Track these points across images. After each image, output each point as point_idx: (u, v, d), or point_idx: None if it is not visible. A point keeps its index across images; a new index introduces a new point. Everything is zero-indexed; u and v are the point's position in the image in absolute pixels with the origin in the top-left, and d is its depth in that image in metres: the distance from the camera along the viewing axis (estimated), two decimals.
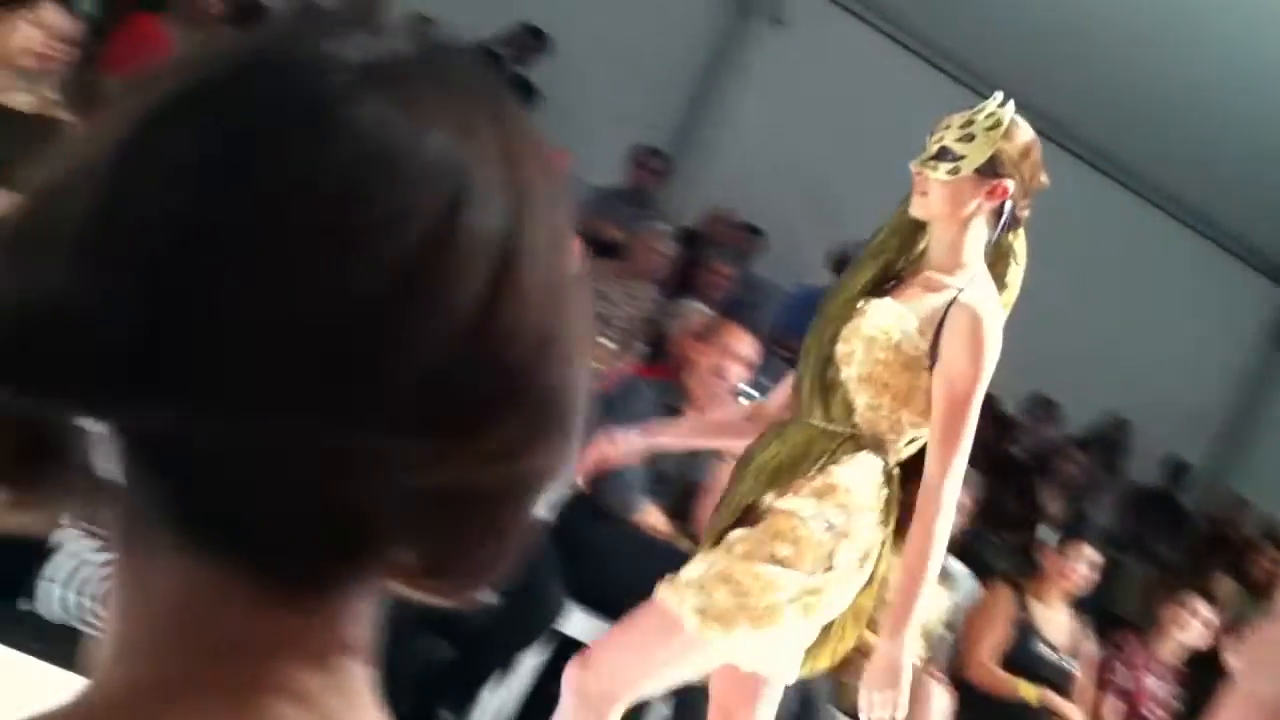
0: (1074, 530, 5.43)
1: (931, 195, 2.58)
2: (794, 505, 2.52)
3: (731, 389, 4.10)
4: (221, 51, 0.55)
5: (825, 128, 7.20)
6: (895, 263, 2.68)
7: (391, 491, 0.51)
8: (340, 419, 0.49)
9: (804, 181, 7.05)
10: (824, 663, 2.66)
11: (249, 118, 0.51)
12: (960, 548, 5.03)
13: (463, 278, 0.51)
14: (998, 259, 2.68)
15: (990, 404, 6.89)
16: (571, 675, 2.59)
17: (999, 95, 2.63)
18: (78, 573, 3.17)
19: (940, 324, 2.52)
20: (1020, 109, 2.60)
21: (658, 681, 2.64)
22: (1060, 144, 7.31)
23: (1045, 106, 7.33)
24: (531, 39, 6.71)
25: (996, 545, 5.67)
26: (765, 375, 4.19)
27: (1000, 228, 2.61)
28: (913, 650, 2.55)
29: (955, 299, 2.52)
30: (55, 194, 0.51)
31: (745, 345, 4.18)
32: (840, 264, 6.62)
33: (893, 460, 2.58)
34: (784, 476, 2.56)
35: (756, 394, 3.90)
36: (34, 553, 3.32)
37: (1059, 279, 7.38)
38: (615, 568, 3.66)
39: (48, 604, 3.25)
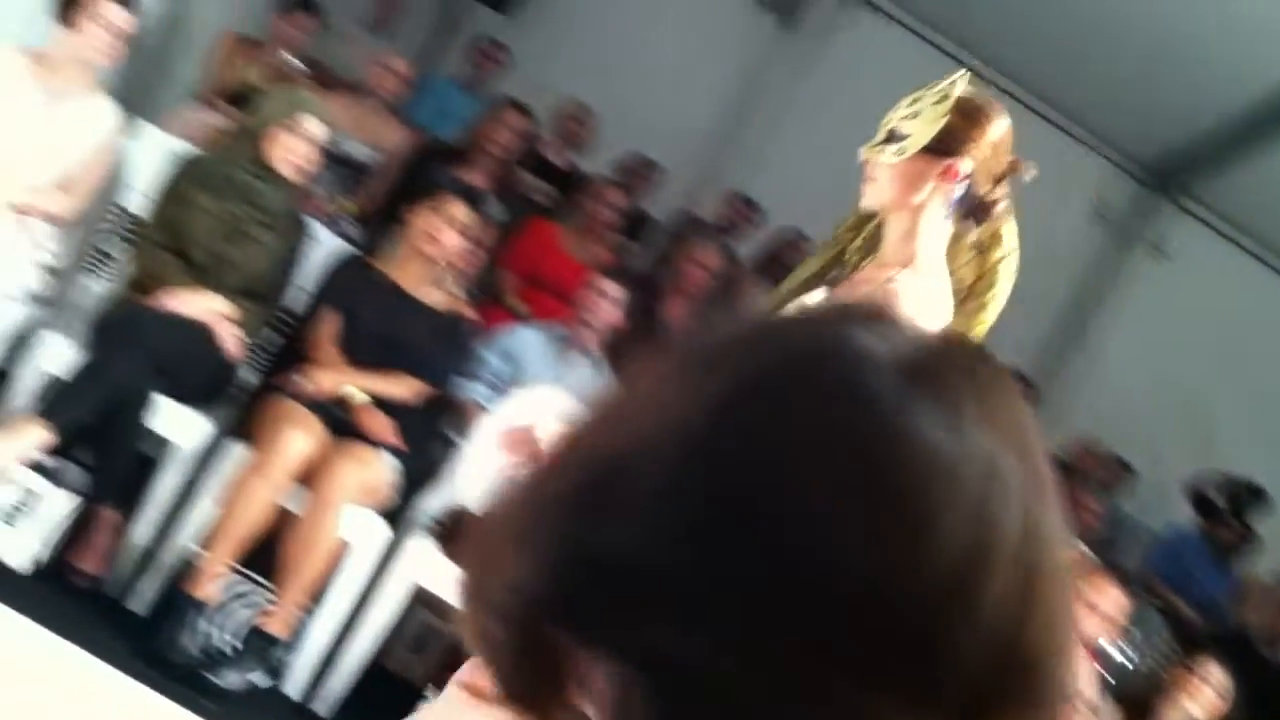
0: None
1: (880, 181, 2.34)
2: None
3: (1088, 642, 3.89)
4: (764, 341, 0.60)
5: (1205, 361, 6.91)
6: (845, 256, 2.48)
7: None
8: (861, 689, 0.52)
9: (1179, 416, 6.75)
10: None
11: (807, 415, 0.55)
12: None
13: (996, 575, 0.54)
14: (980, 275, 2.43)
15: None
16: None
17: (963, 72, 2.37)
18: None
19: None
20: None
21: None
22: None
23: None
24: None
25: None
26: (1136, 624, 3.96)
27: (952, 210, 2.32)
28: None
29: (882, 285, 2.26)
30: (626, 459, 0.57)
31: (1109, 600, 3.96)
32: (1200, 501, 6.28)
33: None
34: None
35: (1125, 651, 3.68)
36: None
37: None
38: None
39: None
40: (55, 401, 3.57)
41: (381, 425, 3.91)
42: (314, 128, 4.05)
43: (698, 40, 7.17)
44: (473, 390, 4.39)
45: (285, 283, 4.15)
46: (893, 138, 2.34)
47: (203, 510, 3.75)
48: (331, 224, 4.68)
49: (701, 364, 0.59)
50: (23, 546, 3.55)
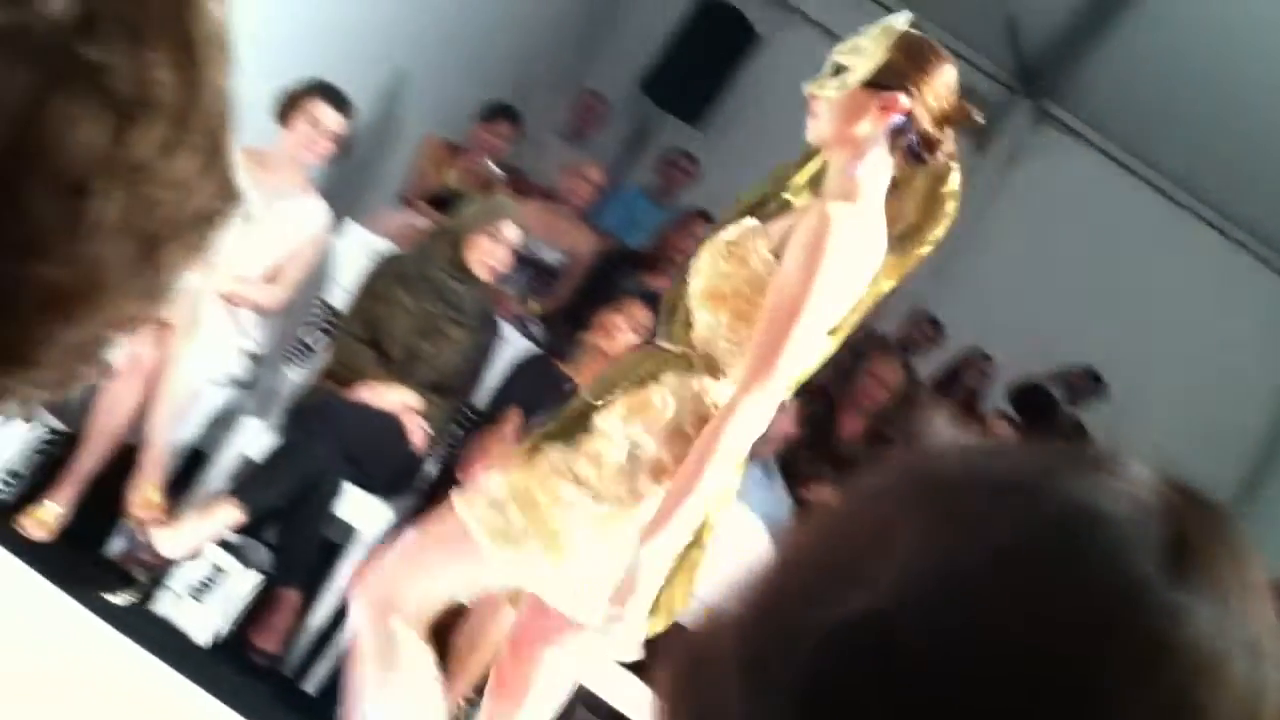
0: None
1: (821, 116, 2.36)
2: (605, 424, 2.33)
3: None
4: (1013, 496, 0.57)
5: None
6: (785, 189, 2.50)
7: None
8: None
9: None
10: (659, 624, 2.36)
11: (1074, 595, 0.53)
12: None
13: None
14: (927, 212, 2.46)
15: None
16: (357, 581, 2.46)
17: (905, 12, 2.38)
18: None
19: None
20: None
21: (442, 591, 2.46)
22: None
23: None
24: (1090, 383, 6.62)
25: None
26: None
27: (892, 142, 2.33)
28: (660, 564, 2.23)
29: (818, 214, 2.26)
30: (872, 609, 0.54)
31: None
32: None
33: (723, 380, 2.35)
34: (604, 388, 2.37)
35: None
36: None
37: None
38: None
39: None
40: (249, 483, 3.72)
41: None
42: (511, 233, 4.19)
43: None
44: None
45: (474, 379, 4.26)
46: (836, 72, 2.37)
47: None
48: (518, 324, 4.80)
49: (943, 515, 0.57)
50: (206, 622, 3.68)
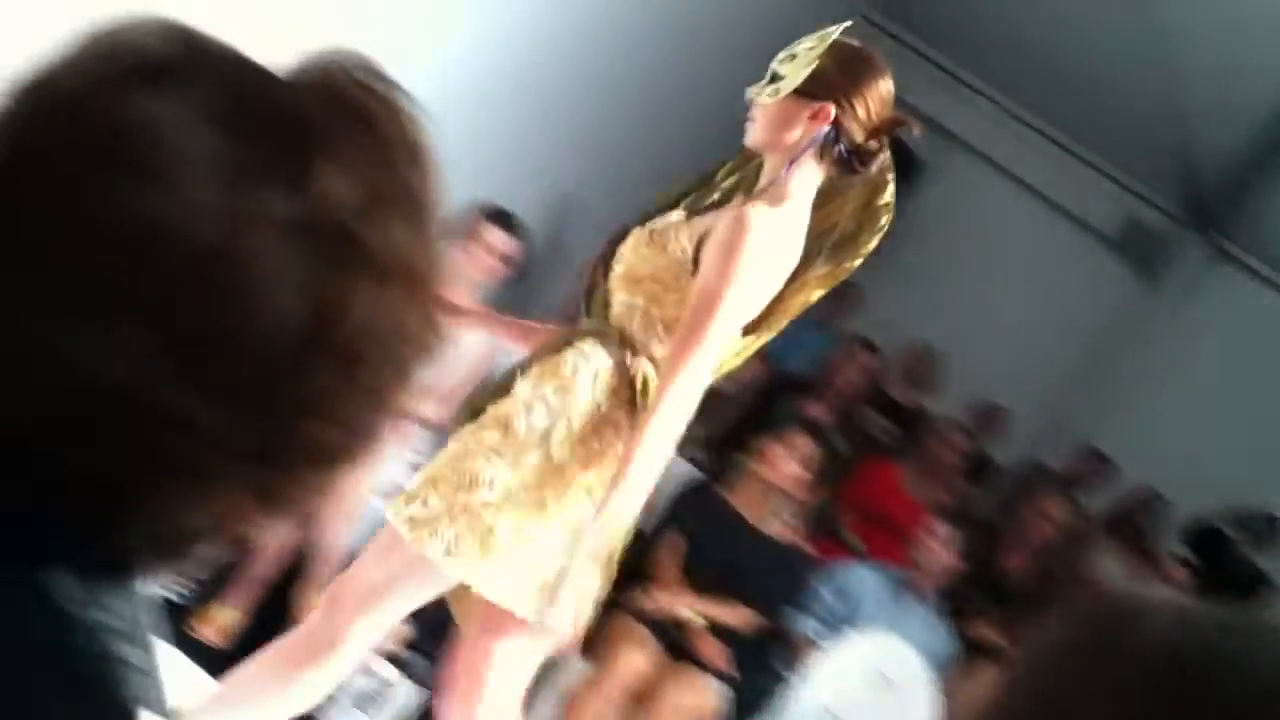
0: None
1: (757, 121, 2.41)
2: (516, 389, 2.34)
3: None
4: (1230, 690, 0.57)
5: None
6: (713, 186, 2.54)
7: None
8: None
9: None
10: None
11: None
12: None
13: None
14: (862, 224, 2.50)
15: None
16: (326, 592, 2.43)
17: (848, 22, 2.41)
18: None
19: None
20: None
21: (395, 600, 2.39)
22: None
23: None
24: (1267, 526, 6.37)
25: None
26: None
27: (817, 152, 2.34)
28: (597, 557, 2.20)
29: (737, 214, 2.31)
30: None
31: None
32: None
33: (640, 358, 2.37)
34: (523, 365, 2.39)
35: None
36: None
37: None
38: None
39: None
40: None
41: (715, 651, 3.92)
42: None
43: (1053, 289, 7.10)
44: (805, 624, 4.35)
45: None
46: (772, 79, 2.40)
47: (541, 717, 3.83)
48: (679, 449, 4.80)
49: (1194, 707, 0.57)
50: None
